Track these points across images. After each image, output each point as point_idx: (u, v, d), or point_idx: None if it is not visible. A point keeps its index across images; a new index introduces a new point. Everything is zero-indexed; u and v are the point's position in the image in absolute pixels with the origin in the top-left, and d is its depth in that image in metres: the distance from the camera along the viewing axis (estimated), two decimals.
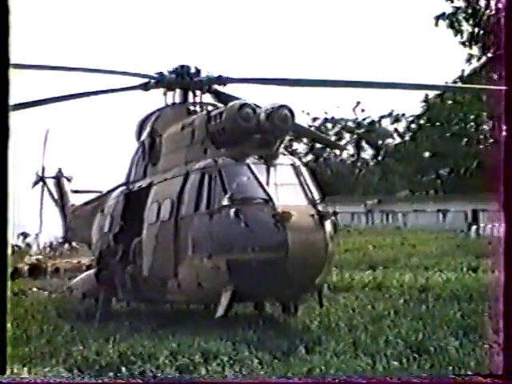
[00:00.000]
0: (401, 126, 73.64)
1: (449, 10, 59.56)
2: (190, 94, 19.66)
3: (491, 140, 62.52)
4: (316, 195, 16.25)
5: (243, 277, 15.36)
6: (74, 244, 29.15)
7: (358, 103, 74.27)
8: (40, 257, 30.06)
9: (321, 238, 15.46)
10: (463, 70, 60.96)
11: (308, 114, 72.00)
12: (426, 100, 67.96)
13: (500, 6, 57.79)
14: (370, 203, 63.27)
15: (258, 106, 16.96)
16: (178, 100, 19.82)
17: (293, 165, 16.72)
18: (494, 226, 49.19)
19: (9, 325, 11.51)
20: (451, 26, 59.10)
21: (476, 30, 58.71)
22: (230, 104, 17.24)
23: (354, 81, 19.53)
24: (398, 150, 72.24)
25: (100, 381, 12.55)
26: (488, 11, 57.98)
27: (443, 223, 56.41)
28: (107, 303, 19.13)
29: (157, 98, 20.11)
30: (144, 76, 19.51)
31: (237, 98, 18.03)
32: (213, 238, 15.94)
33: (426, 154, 69.62)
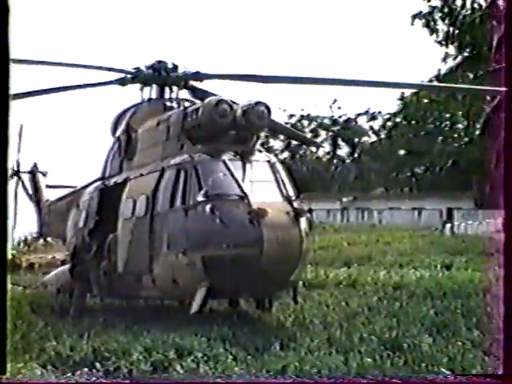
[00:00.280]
0: (377, 124, 73.97)
1: (425, 9, 59.84)
2: (167, 90, 19.62)
3: (466, 139, 62.91)
4: (291, 192, 16.27)
5: (218, 273, 15.36)
6: (48, 239, 29.01)
7: (335, 101, 74.50)
8: (14, 252, 29.91)
9: (296, 234, 15.49)
10: (439, 69, 61.30)
11: (284, 110, 72.14)
12: (402, 98, 68.26)
13: (476, 5, 58.16)
14: (346, 200, 63.47)
15: (235, 103, 16.95)
16: (154, 95, 19.78)
17: (269, 161, 16.73)
18: (468, 224, 49.55)
19: None
20: (427, 25, 59.39)
21: (452, 29, 59.03)
22: (207, 100, 17.22)
23: (330, 78, 19.56)
24: (374, 148, 72.55)
25: (100, 381, 12.52)
26: (464, 11, 58.29)
27: (418, 221, 56.69)
28: (81, 299, 19.08)
29: (133, 94, 20.08)
30: (120, 71, 19.44)
31: (213, 95, 18.02)
32: (188, 234, 15.92)
33: (402, 152, 69.95)
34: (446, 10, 58.65)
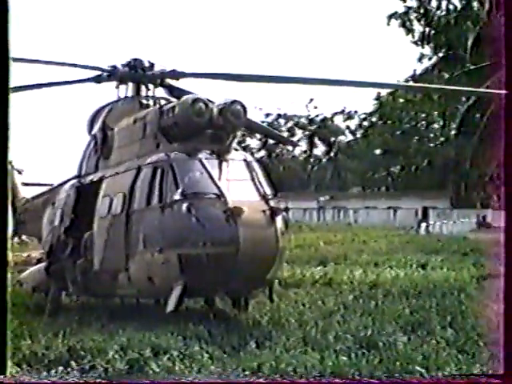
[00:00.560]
0: (353, 124, 74.26)
1: (401, 9, 60.14)
2: (143, 88, 19.58)
3: (442, 138, 63.27)
4: (268, 191, 16.29)
5: (194, 271, 15.36)
6: (24, 237, 28.84)
7: (311, 100, 74.67)
8: None
9: (272, 233, 15.51)
10: (415, 69, 61.63)
11: (261, 109, 72.23)
12: (379, 98, 68.57)
13: (451, 7, 58.51)
14: (322, 199, 63.67)
15: (211, 101, 16.95)
16: (130, 93, 19.73)
17: (245, 160, 16.75)
18: (443, 223, 49.85)
19: None
20: (403, 25, 59.68)
21: (427, 29, 59.37)
22: (183, 98, 17.21)
23: (307, 77, 19.59)
24: (350, 147, 72.81)
25: (100, 381, 12.48)
26: (439, 12, 58.63)
27: (394, 220, 56.97)
28: (57, 297, 19.00)
29: (109, 91, 20.01)
30: (96, 69, 19.38)
31: (190, 93, 18.01)
32: (164, 232, 15.90)
33: (378, 152, 70.27)
34: (421, 10, 58.98)
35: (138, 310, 17.74)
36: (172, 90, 19.26)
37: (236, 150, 17.11)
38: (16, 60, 17.28)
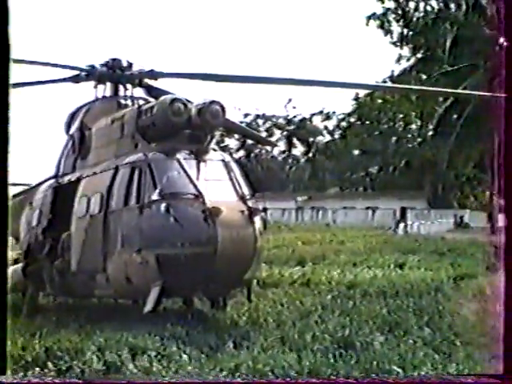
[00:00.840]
0: (331, 124, 74.35)
1: (379, 10, 60.34)
2: (121, 88, 19.54)
3: (419, 139, 63.58)
4: (246, 191, 16.32)
5: (172, 272, 15.36)
6: None
7: (290, 100, 74.71)
8: None
9: (250, 233, 15.54)
10: (393, 70, 61.86)
11: (239, 109, 72.16)
12: (357, 98, 68.74)
13: (428, 8, 58.81)
14: (301, 200, 63.76)
15: (190, 101, 16.95)
16: (108, 93, 19.68)
17: (223, 160, 16.76)
18: (421, 223, 50.09)
19: None
20: (382, 26, 59.89)
21: (406, 30, 59.60)
22: (161, 98, 17.20)
23: (285, 78, 19.64)
24: (329, 148, 72.95)
25: (101, 381, 12.43)
26: (417, 13, 58.91)
27: (372, 220, 57.16)
28: (34, 298, 18.92)
29: (87, 91, 19.96)
30: (74, 68, 19.33)
31: (168, 93, 17.99)
32: (142, 232, 15.89)
33: (356, 152, 70.47)
34: (399, 11, 59.22)
35: (116, 311, 17.71)
36: (150, 90, 19.24)
37: (214, 150, 17.13)
38: None
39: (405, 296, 19.14)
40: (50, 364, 12.99)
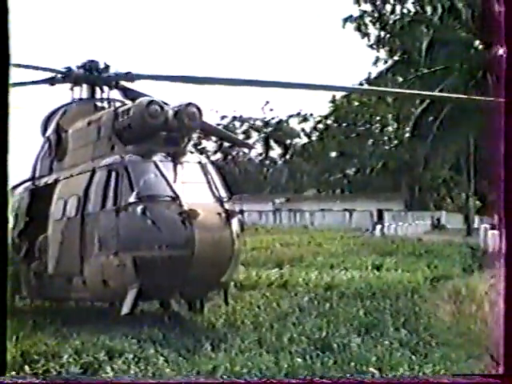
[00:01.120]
0: (308, 126, 74.60)
1: (356, 13, 60.60)
2: (98, 90, 19.48)
3: (396, 141, 63.85)
4: (223, 193, 16.32)
5: (149, 274, 15.33)
6: None
7: (267, 102, 74.85)
8: None
9: (227, 236, 15.55)
10: (370, 73, 62.16)
11: (217, 112, 72.20)
12: (334, 101, 68.98)
13: (405, 11, 59.11)
14: (278, 202, 63.85)
15: (166, 104, 16.93)
16: (85, 95, 19.62)
17: (200, 163, 16.75)
18: (398, 225, 50.34)
19: None
20: (358, 28, 60.15)
21: (382, 33, 59.91)
22: (138, 101, 17.15)
23: (262, 80, 19.71)
24: (306, 150, 73.15)
25: (102, 381, 12.36)
26: (393, 16, 59.20)
27: (349, 222, 57.39)
28: (10, 301, 18.79)
29: (64, 93, 19.89)
30: (51, 70, 19.24)
31: (145, 95, 17.95)
32: (119, 235, 15.84)
33: (333, 154, 70.68)
34: (376, 14, 59.48)
35: (93, 314, 17.63)
36: (127, 92, 19.19)
37: (191, 152, 17.12)
38: None
39: (382, 297, 19.22)
40: (26, 367, 12.92)
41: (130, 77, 18.95)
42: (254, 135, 74.90)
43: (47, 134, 19.72)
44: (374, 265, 26.80)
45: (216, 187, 16.35)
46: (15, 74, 18.74)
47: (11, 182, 21.36)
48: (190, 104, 16.71)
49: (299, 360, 12.99)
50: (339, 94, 66.00)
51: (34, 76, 19.17)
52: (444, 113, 48.09)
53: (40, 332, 15.32)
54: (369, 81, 60.28)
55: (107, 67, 19.40)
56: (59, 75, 19.26)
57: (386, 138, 66.82)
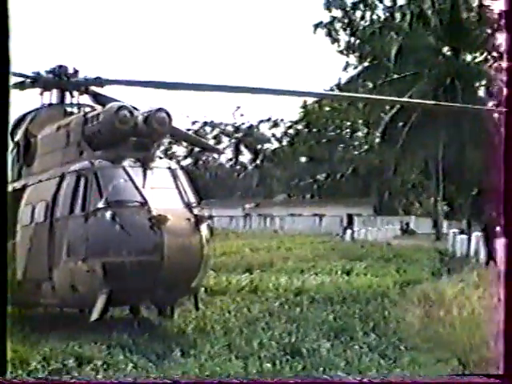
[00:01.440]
0: (279, 131, 74.77)
1: (326, 19, 60.90)
2: (68, 95, 19.39)
3: (366, 146, 64.17)
4: (192, 199, 16.31)
5: (119, 280, 15.27)
6: None
7: (238, 108, 74.93)
8: None
9: (197, 241, 15.54)
10: (340, 78, 62.44)
11: (187, 117, 72.13)
12: (304, 106, 69.17)
13: (374, 17, 59.49)
14: (248, 207, 63.89)
15: (136, 109, 16.89)
16: (54, 100, 19.52)
17: (169, 168, 16.73)
18: (367, 230, 50.55)
19: None
20: (329, 34, 60.44)
21: (353, 39, 60.25)
22: (108, 106, 17.10)
23: (233, 86, 19.71)
24: (276, 155, 73.28)
25: (102, 381, 12.25)
26: (363, 22, 59.56)
27: (319, 227, 57.54)
28: None
29: (33, 98, 19.77)
30: (20, 75, 19.12)
31: (115, 100, 17.90)
32: (88, 240, 15.77)
33: (303, 159, 70.88)
34: (346, 20, 59.79)
35: (62, 320, 17.53)
36: (96, 97, 19.12)
37: (160, 157, 17.11)
38: None
39: (351, 302, 19.30)
40: None
41: (99, 82, 18.88)
42: (225, 140, 74.95)
43: (16, 139, 19.59)
44: (343, 269, 26.90)
45: (185, 192, 16.34)
46: None
47: None
48: (159, 109, 16.69)
49: (268, 365, 13.01)
50: (310, 100, 66.24)
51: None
52: (413, 118, 48.47)
53: (8, 338, 15.18)
54: (339, 86, 60.56)
55: (76, 72, 19.32)
56: (28, 80, 19.16)
57: (356, 143, 67.14)
